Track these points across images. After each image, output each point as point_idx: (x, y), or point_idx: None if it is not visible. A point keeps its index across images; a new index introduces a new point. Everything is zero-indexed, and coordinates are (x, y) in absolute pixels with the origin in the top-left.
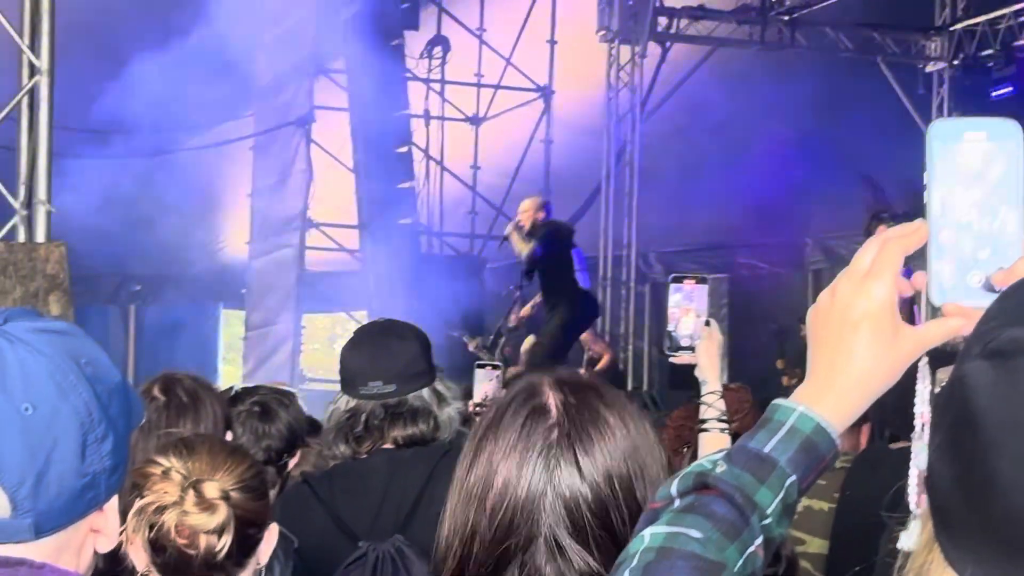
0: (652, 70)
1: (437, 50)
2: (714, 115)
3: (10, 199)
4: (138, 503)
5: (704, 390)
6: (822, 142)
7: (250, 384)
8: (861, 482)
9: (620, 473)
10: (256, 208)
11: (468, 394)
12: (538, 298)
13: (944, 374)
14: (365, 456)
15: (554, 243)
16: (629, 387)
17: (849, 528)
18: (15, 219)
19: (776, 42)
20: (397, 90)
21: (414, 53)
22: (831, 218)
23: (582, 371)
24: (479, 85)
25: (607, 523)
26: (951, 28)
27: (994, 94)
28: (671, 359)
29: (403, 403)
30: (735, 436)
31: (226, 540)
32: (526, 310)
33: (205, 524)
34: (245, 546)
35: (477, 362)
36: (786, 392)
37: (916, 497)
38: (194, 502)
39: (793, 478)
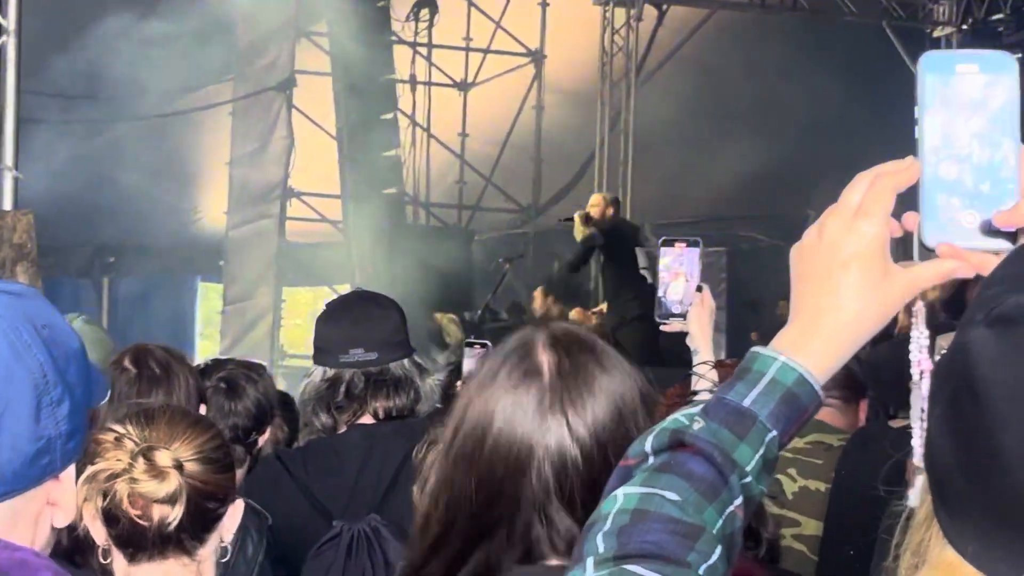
0: (648, 33)
1: (424, 12)
2: (713, 81)
3: None
4: (89, 469)
5: (696, 360)
6: (825, 110)
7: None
8: (858, 461)
9: (612, 437)
10: (235, 176)
11: (457, 372)
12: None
13: (945, 341)
14: (342, 431)
15: (614, 235)
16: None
17: (845, 509)
18: None
19: (777, 5)
20: (382, 54)
21: (400, 15)
22: (834, 189)
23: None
24: (468, 49)
25: (595, 487)
26: None
27: None
28: (661, 327)
29: (385, 372)
30: None
31: (178, 511)
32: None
33: (154, 492)
34: (204, 520)
35: (466, 340)
36: None
37: (920, 450)
38: (143, 469)
39: (774, 433)
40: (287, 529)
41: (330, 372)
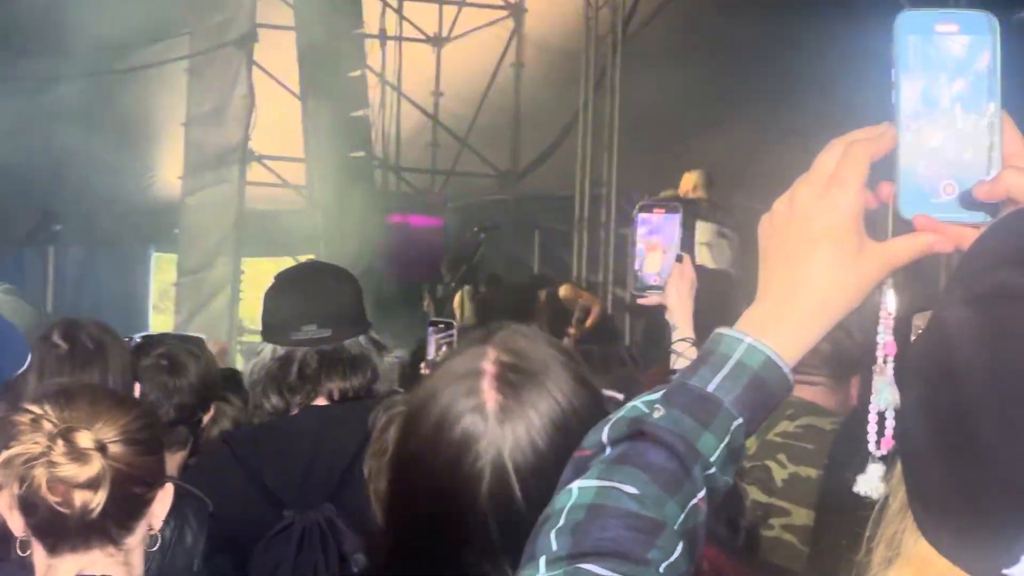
0: None
1: None
2: (706, 37)
3: None
4: (3, 454)
5: (674, 336)
6: (827, 68)
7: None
8: (850, 445)
9: (555, 452)
10: (191, 138)
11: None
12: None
13: (921, 320)
14: (294, 413)
15: None
16: (627, 340)
17: (836, 497)
18: None
19: None
20: (350, 7)
21: None
22: None
23: (571, 331)
24: (441, 1)
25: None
26: None
27: (1016, 16)
28: (638, 301)
29: (340, 350)
30: None
31: (101, 497)
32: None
33: (75, 476)
34: (131, 506)
35: (430, 319)
36: None
37: (875, 439)
38: (63, 452)
39: (740, 421)
40: (234, 518)
41: (281, 350)
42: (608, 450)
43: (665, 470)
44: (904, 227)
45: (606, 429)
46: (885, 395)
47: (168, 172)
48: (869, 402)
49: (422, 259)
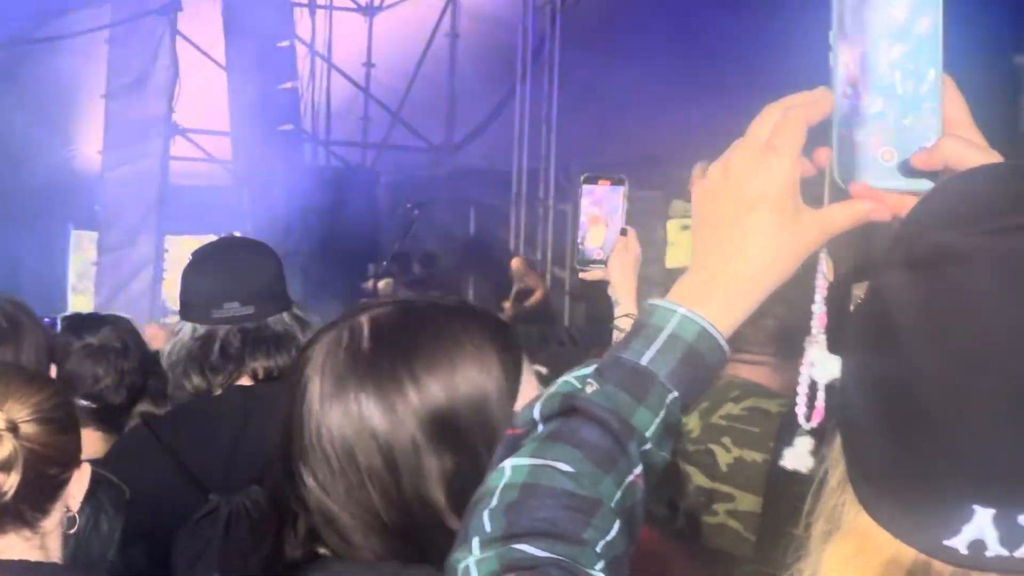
0: None
1: None
2: (648, 4)
3: None
4: None
5: (616, 312)
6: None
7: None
8: (798, 428)
9: (417, 438)
10: (112, 111)
11: None
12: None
13: (860, 290)
14: (217, 394)
15: None
16: (566, 323)
17: (784, 481)
18: None
19: None
20: None
21: None
22: None
23: (507, 305)
24: None
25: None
26: None
27: None
28: (580, 275)
29: (264, 327)
30: None
31: (14, 479)
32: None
33: None
34: (46, 488)
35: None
36: None
37: (805, 410)
38: None
39: (675, 395)
40: (157, 503)
41: (201, 329)
42: (540, 427)
43: (599, 447)
44: (841, 194)
45: (538, 406)
46: (819, 366)
47: (88, 146)
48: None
49: (353, 236)
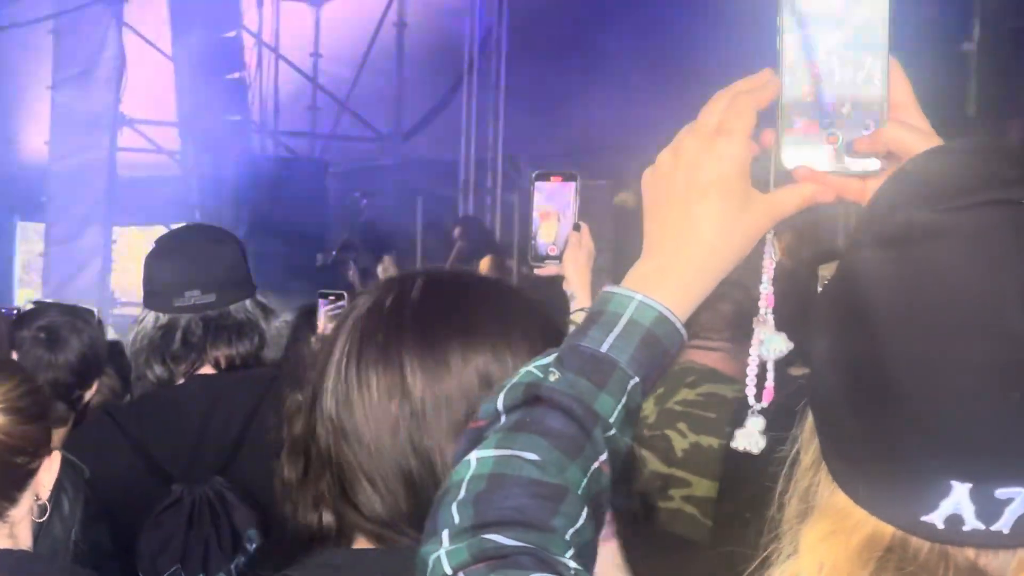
0: None
1: None
2: None
3: None
4: None
5: (572, 306)
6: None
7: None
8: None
9: (448, 415)
10: (58, 103)
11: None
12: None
13: (827, 271)
14: (180, 383)
15: None
16: None
17: (740, 466)
18: None
19: None
20: None
21: None
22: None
23: None
24: None
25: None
26: None
27: None
28: (536, 271)
29: (226, 315)
30: None
31: None
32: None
33: None
34: (14, 477)
35: (320, 291)
36: None
37: (755, 391)
38: None
39: (636, 380)
40: (119, 494)
41: (163, 318)
42: (503, 418)
43: (564, 435)
44: (786, 177)
45: (500, 397)
46: (767, 345)
47: (33, 138)
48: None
49: (302, 226)
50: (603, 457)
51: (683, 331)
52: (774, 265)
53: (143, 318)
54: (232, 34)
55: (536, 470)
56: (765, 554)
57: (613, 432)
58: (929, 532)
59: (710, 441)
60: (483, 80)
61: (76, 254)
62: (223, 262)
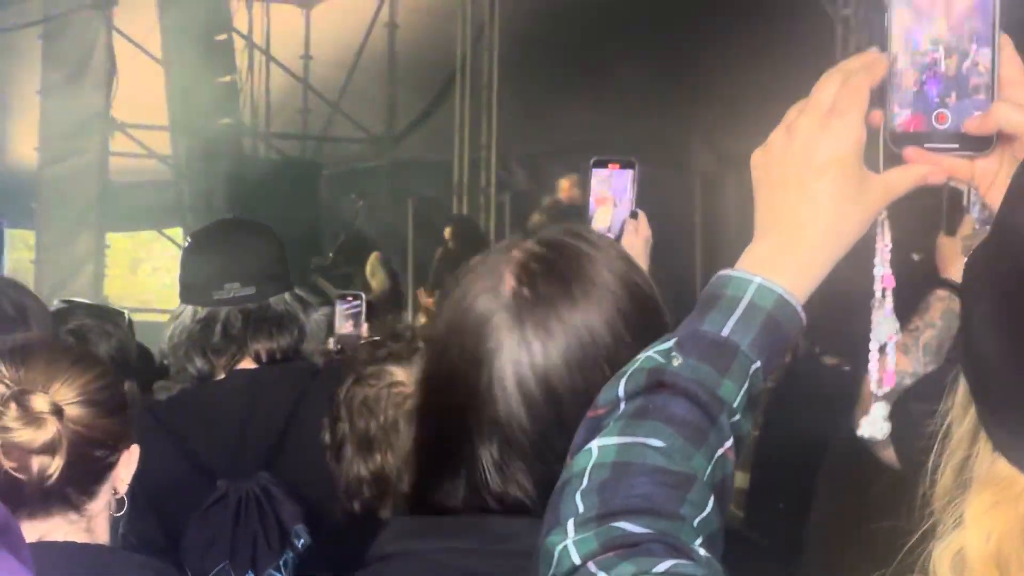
0: None
1: None
2: None
3: None
4: None
5: None
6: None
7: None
8: (788, 403)
9: (567, 387)
10: (47, 107)
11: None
12: None
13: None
14: (220, 378)
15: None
16: None
17: (774, 457)
18: None
19: None
20: None
21: None
22: (725, 113)
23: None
24: None
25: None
26: None
27: None
28: None
29: (266, 308)
30: None
31: (59, 461)
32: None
33: (30, 441)
34: (92, 471)
35: (339, 293)
36: None
37: (877, 377)
38: (16, 416)
39: (758, 364)
40: (163, 490)
41: (202, 311)
42: (623, 405)
43: (689, 421)
44: (894, 157)
45: (622, 383)
46: (884, 329)
47: (23, 143)
48: (801, 356)
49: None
50: (728, 443)
51: (802, 314)
52: (889, 247)
53: (180, 312)
54: (223, 37)
55: (662, 458)
56: (924, 527)
57: (737, 418)
58: None
59: None
60: (476, 80)
61: (68, 261)
62: (262, 255)
